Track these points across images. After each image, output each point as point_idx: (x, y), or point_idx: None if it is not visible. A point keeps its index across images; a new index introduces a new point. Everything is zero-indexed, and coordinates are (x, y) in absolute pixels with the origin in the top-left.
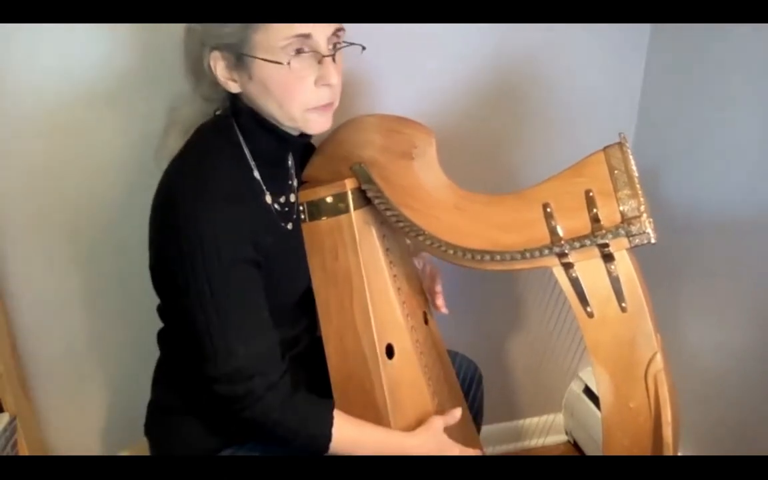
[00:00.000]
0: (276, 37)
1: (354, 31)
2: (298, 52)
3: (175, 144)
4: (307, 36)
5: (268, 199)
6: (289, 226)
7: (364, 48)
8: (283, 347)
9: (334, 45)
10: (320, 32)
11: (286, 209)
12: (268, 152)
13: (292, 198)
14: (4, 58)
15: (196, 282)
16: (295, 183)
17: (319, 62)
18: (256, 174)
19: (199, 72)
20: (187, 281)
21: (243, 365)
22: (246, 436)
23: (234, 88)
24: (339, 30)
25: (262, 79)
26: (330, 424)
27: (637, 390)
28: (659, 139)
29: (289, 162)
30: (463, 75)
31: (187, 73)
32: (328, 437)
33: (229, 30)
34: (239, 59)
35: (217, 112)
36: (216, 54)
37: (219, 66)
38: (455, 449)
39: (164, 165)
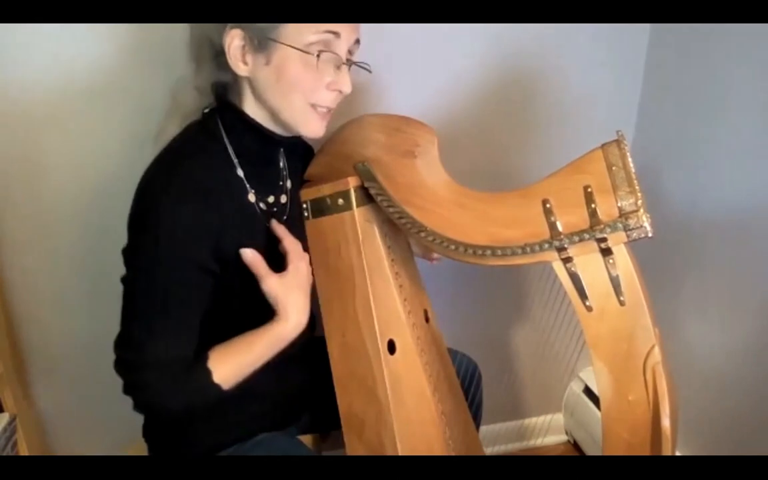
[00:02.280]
0: (309, 28)
1: None
2: (321, 52)
3: (175, 129)
4: (336, 34)
5: (252, 197)
6: None
7: (370, 71)
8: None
9: (348, 60)
10: (347, 35)
11: (275, 209)
12: (253, 151)
13: (283, 199)
14: (3, 56)
15: (137, 267)
16: (289, 184)
17: (337, 67)
18: (240, 172)
19: (202, 57)
20: (131, 263)
21: (145, 360)
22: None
23: (242, 70)
24: (356, 42)
25: (280, 65)
26: (210, 381)
27: (636, 383)
28: (659, 139)
29: (281, 163)
30: (463, 75)
31: (190, 58)
32: (216, 392)
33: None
34: (262, 42)
35: (206, 111)
36: (237, 32)
37: (234, 44)
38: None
39: (163, 142)
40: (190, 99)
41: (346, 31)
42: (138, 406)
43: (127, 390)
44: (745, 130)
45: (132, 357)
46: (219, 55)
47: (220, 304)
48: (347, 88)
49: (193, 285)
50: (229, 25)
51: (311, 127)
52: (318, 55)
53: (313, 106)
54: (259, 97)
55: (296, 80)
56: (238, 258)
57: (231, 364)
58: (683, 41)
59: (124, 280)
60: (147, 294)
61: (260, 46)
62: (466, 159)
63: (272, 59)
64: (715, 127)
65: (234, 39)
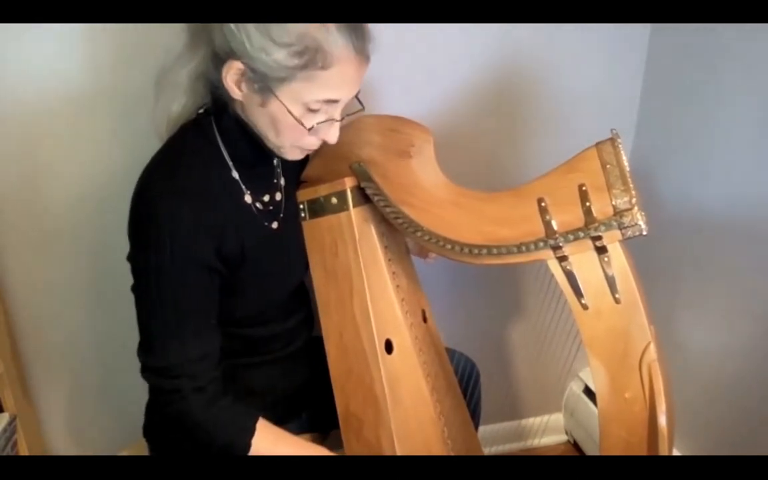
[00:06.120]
0: (311, 95)
1: None
2: (315, 110)
3: (171, 106)
4: (336, 101)
5: (248, 198)
6: (274, 224)
7: (363, 107)
8: (279, 343)
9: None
10: (346, 98)
11: (270, 208)
12: (247, 153)
13: (278, 196)
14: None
15: (147, 274)
16: (283, 181)
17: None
18: (235, 174)
19: (197, 44)
20: (139, 271)
21: (173, 363)
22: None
23: (236, 95)
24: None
25: (274, 115)
26: (251, 434)
27: (632, 380)
28: (659, 139)
29: (275, 161)
30: (462, 75)
31: (187, 37)
32: (245, 447)
33: (271, 62)
34: (264, 89)
35: (200, 111)
36: (238, 65)
37: (232, 73)
38: None
39: (162, 129)
40: (184, 72)
41: (346, 95)
42: (170, 414)
43: (157, 394)
44: (744, 130)
45: (158, 363)
46: (215, 55)
47: (221, 304)
48: (333, 140)
49: (203, 283)
50: (235, 56)
51: (293, 157)
52: (311, 129)
53: (300, 147)
54: (248, 118)
55: (286, 130)
56: (240, 258)
57: (270, 445)
58: (683, 41)
59: (134, 288)
60: (160, 299)
61: (260, 89)
62: (463, 158)
63: (267, 106)
64: (715, 127)
65: (231, 69)
